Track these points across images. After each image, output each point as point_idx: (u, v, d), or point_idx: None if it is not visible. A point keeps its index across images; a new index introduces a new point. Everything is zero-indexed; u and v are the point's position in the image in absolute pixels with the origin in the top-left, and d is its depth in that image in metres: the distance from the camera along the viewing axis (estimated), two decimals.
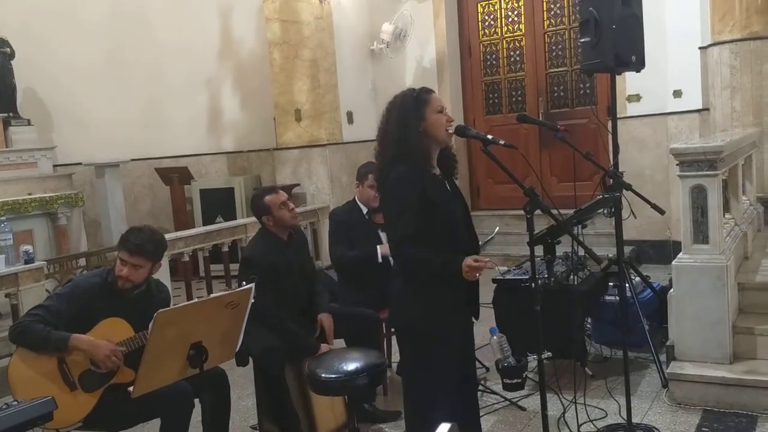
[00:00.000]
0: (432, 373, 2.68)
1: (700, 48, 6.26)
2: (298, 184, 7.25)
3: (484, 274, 2.85)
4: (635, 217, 3.77)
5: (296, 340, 3.52)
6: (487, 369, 4.37)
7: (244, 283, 3.06)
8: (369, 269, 4.07)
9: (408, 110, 2.63)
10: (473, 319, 2.91)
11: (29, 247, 4.96)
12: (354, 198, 4.34)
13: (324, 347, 3.56)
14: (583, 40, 4.27)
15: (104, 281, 3.06)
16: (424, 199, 2.56)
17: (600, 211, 3.51)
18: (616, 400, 3.70)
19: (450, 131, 2.66)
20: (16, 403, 2.05)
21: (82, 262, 5.66)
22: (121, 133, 8.24)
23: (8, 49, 7.23)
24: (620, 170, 3.71)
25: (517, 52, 8.06)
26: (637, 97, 6.78)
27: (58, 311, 2.90)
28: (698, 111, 6.45)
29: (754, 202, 5.21)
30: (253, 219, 6.38)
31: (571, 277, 4.03)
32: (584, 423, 3.45)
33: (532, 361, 3.71)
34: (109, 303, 2.99)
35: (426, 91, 2.69)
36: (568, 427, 3.49)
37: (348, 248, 4.15)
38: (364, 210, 4.26)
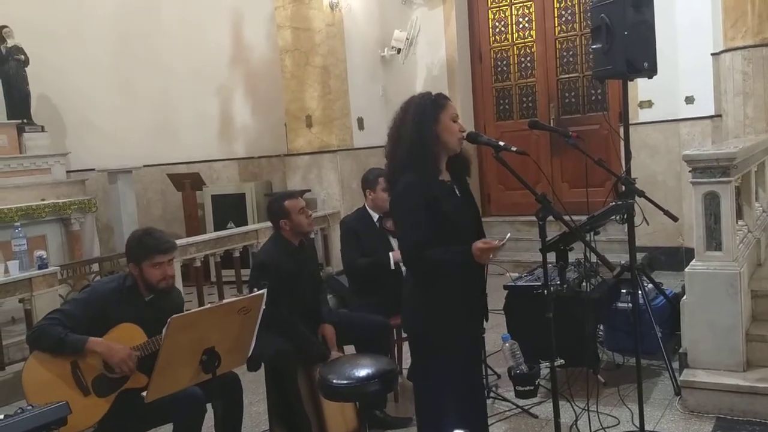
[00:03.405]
0: (440, 378, 2.68)
1: (713, 54, 6.24)
2: (308, 190, 7.27)
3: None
4: (648, 224, 3.75)
5: (308, 345, 3.54)
6: (499, 376, 4.35)
7: (255, 289, 3.08)
8: (381, 275, 4.07)
9: (425, 111, 2.64)
10: (484, 324, 2.91)
11: (43, 253, 4.98)
12: (364, 206, 4.33)
13: (334, 353, 3.57)
14: (594, 46, 4.26)
15: (121, 286, 3.09)
16: (433, 207, 2.58)
17: (612, 217, 3.50)
18: (628, 408, 3.68)
19: (462, 138, 2.67)
20: (30, 407, 2.06)
21: (95, 267, 5.70)
22: (133, 139, 8.31)
23: (22, 57, 7.32)
24: (632, 176, 3.69)
25: (528, 58, 8.06)
26: (649, 104, 6.76)
27: (75, 316, 2.92)
28: (710, 117, 6.43)
29: (767, 209, 5.17)
30: (265, 224, 6.44)
31: (584, 283, 4.01)
32: (597, 431, 3.43)
33: (545, 368, 3.70)
34: (125, 308, 3.02)
35: (443, 97, 2.72)
36: None
37: (360, 255, 4.15)
38: (375, 217, 4.25)
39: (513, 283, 4.29)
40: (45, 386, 2.80)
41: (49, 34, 7.78)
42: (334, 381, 3.04)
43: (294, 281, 3.60)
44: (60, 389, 2.79)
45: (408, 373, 4.23)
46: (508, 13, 8.13)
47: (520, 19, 8.06)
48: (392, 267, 4.06)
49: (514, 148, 2.63)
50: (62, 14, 7.93)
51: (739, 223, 4.25)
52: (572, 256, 3.13)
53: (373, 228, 4.23)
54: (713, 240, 3.78)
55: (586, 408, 3.42)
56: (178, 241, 5.48)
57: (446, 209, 2.60)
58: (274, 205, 3.74)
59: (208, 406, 3.14)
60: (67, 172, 7.66)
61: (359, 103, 7.48)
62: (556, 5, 7.81)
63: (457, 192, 2.72)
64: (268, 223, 5.94)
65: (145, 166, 8.29)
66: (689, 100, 6.54)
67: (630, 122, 4.58)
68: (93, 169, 7.92)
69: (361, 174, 4.48)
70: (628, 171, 4.15)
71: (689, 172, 3.88)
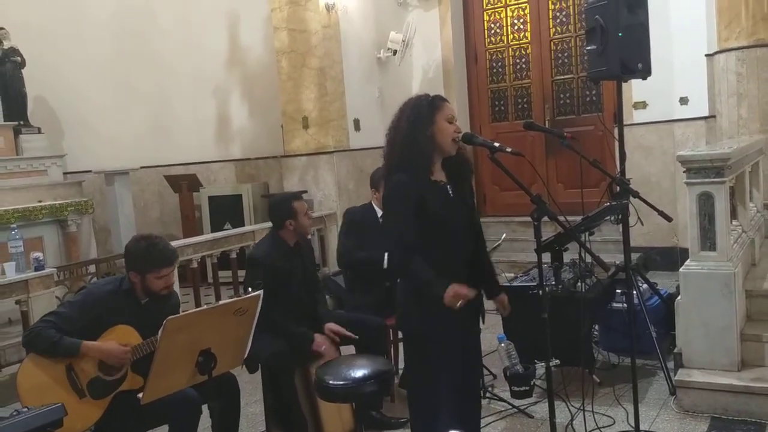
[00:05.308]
0: (432, 378, 2.69)
1: (707, 55, 6.26)
2: (305, 191, 7.28)
3: None
4: (642, 224, 3.77)
5: (290, 335, 3.54)
6: (495, 376, 4.36)
7: (250, 289, 3.09)
8: (376, 273, 4.08)
9: (420, 112, 2.66)
10: (480, 324, 2.92)
11: (39, 254, 4.98)
12: (370, 202, 4.37)
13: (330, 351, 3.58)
14: (589, 47, 4.28)
15: (117, 289, 3.08)
16: (421, 207, 2.60)
17: (607, 218, 3.52)
18: (623, 408, 3.69)
19: (457, 139, 2.68)
20: (26, 410, 2.06)
21: (92, 269, 5.70)
22: (130, 140, 8.32)
23: (19, 59, 7.31)
24: (627, 177, 3.71)
25: (523, 59, 8.07)
26: (643, 105, 6.78)
27: (70, 318, 2.92)
28: (705, 118, 6.45)
29: (761, 209, 5.20)
30: (262, 226, 6.45)
31: (579, 284, 4.03)
32: (592, 430, 3.44)
33: (540, 368, 3.71)
34: (121, 311, 3.01)
35: (440, 99, 2.74)
36: None
37: (359, 248, 4.17)
38: (379, 214, 4.28)
39: (508, 284, 4.30)
40: (40, 389, 2.81)
41: (46, 36, 7.78)
42: (331, 382, 3.05)
43: (286, 281, 3.61)
44: (55, 392, 2.80)
45: (400, 381, 4.17)
46: (503, 14, 8.14)
47: (515, 21, 8.08)
48: (385, 266, 4.06)
49: (509, 149, 2.64)
50: (60, 15, 7.92)
51: (733, 223, 4.27)
52: (567, 257, 3.15)
53: (376, 224, 4.25)
54: (708, 240, 3.80)
55: (581, 408, 3.44)
56: (175, 243, 5.49)
57: (433, 209, 2.62)
58: (282, 206, 3.74)
59: (205, 407, 3.15)
60: (64, 173, 7.64)
61: (355, 105, 7.49)
62: (551, 7, 7.83)
63: (450, 193, 2.73)
64: (265, 224, 5.95)
65: (142, 167, 8.29)
66: (683, 101, 6.56)
67: (624, 123, 4.60)
68: (90, 171, 7.92)
69: (358, 175, 4.51)
70: (623, 172, 4.18)
71: (683, 172, 3.89)
